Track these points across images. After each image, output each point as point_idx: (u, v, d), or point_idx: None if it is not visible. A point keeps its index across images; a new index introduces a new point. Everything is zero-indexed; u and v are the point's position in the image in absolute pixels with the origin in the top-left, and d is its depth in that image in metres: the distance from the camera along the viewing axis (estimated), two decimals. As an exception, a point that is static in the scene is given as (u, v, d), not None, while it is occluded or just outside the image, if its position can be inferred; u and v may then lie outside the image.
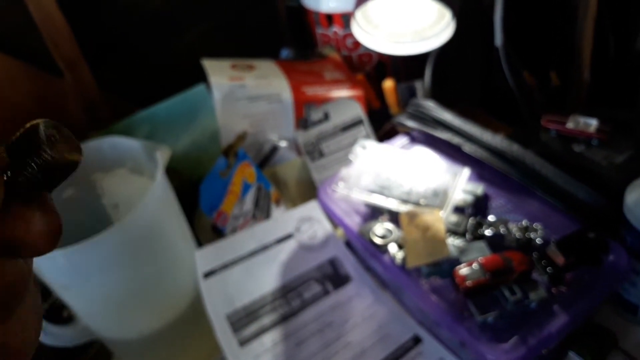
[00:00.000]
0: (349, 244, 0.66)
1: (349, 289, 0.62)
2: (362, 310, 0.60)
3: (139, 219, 0.53)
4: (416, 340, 0.56)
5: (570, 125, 0.64)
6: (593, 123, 0.62)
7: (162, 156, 0.56)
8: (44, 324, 0.58)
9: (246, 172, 0.71)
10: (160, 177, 0.55)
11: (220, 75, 0.76)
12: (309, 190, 0.74)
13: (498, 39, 0.73)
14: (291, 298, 0.61)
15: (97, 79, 0.89)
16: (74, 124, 0.90)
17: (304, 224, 0.67)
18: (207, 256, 0.62)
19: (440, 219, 0.53)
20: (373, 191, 0.59)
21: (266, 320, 0.59)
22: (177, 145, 0.77)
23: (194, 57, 0.82)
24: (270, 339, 0.57)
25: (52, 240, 0.20)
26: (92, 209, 0.65)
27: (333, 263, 0.64)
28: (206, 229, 0.76)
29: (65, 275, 0.54)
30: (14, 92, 0.87)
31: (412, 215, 0.54)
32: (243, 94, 0.75)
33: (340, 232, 0.67)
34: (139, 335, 0.61)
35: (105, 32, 0.90)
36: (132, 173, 0.63)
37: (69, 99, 0.90)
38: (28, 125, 0.18)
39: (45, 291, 0.62)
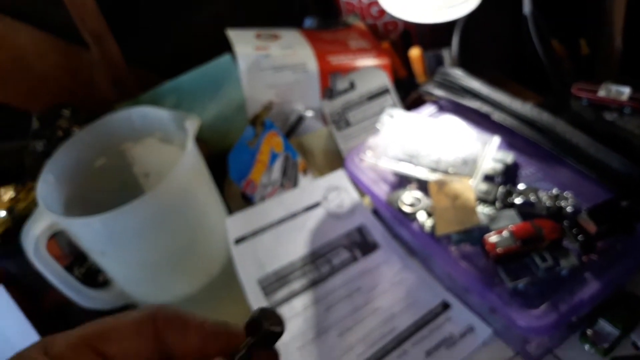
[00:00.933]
0: (376, 212, 0.66)
1: (377, 256, 0.63)
2: (391, 276, 0.61)
3: (171, 187, 0.54)
4: (445, 306, 0.57)
5: (602, 93, 0.63)
6: (626, 91, 0.61)
7: (192, 125, 0.57)
8: (82, 287, 0.60)
9: (273, 141, 0.72)
10: (191, 145, 0.55)
11: (245, 45, 0.76)
12: (335, 160, 0.74)
13: (526, 7, 0.72)
14: (320, 264, 0.62)
15: (123, 51, 0.90)
16: (101, 95, 0.92)
17: (331, 193, 0.67)
18: (237, 223, 0.63)
19: (470, 187, 0.53)
20: (401, 160, 0.59)
21: (296, 285, 0.60)
22: (204, 116, 0.78)
23: (218, 27, 0.82)
24: (300, 303, 0.59)
25: None
26: (124, 177, 0.66)
27: (361, 231, 0.65)
28: (236, 196, 0.76)
29: (101, 241, 0.56)
30: (43, 64, 0.88)
31: (441, 184, 0.54)
32: (268, 64, 0.75)
33: (367, 200, 0.67)
34: (173, 299, 0.63)
35: (129, 4, 0.90)
36: (161, 142, 0.64)
37: (95, 71, 0.91)
38: (252, 317, 0.27)
39: (81, 257, 0.63)
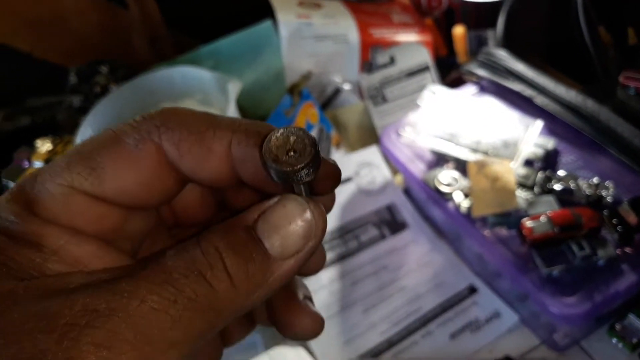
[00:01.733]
0: (407, 192, 0.66)
1: (406, 235, 0.62)
2: (418, 257, 0.60)
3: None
4: (471, 290, 0.57)
5: (651, 83, 0.61)
6: (676, 83, 0.59)
7: (234, 89, 0.56)
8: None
9: (309, 112, 0.71)
10: (233, 109, 0.55)
11: (288, 12, 0.75)
12: (368, 136, 0.73)
13: (577, -9, 0.69)
14: (348, 239, 0.62)
15: (162, 12, 0.90)
16: (138, 56, 0.92)
17: (364, 169, 0.67)
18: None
19: (511, 170, 0.52)
20: (441, 138, 0.58)
21: (323, 258, 0.60)
22: (241, 81, 0.77)
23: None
24: (327, 276, 0.59)
25: None
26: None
27: (390, 209, 0.65)
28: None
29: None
30: (82, 23, 0.89)
31: (481, 165, 0.53)
32: (310, 33, 0.74)
33: (398, 179, 0.67)
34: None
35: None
36: (201, 104, 0.64)
37: (133, 31, 0.91)
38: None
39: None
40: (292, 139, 0.20)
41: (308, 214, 0.21)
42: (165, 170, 0.22)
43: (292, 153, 0.20)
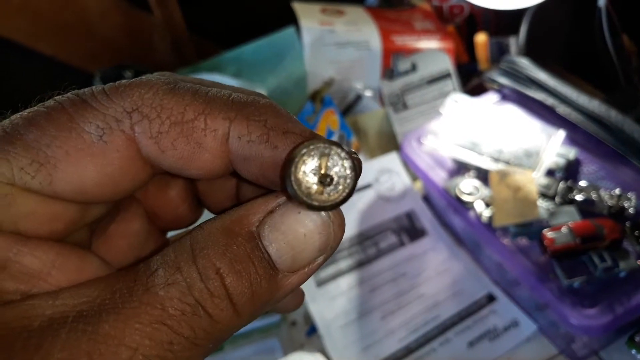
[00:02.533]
0: (426, 199, 0.66)
1: (425, 242, 0.63)
2: (437, 264, 0.60)
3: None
4: (490, 299, 0.57)
5: (675, 93, 0.60)
6: (701, 93, 0.59)
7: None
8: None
9: (330, 119, 0.72)
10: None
11: (311, 19, 0.76)
12: (388, 142, 0.73)
13: (601, -1, 0.69)
14: (367, 246, 0.62)
15: (186, 18, 0.91)
16: (160, 60, 0.93)
17: (383, 175, 0.67)
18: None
19: (533, 180, 0.52)
20: (463, 147, 0.58)
21: (343, 264, 0.60)
22: (263, 87, 0.78)
23: (282, -1, 0.82)
24: (346, 282, 0.59)
25: None
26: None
27: (410, 216, 0.65)
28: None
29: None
30: (105, 26, 0.90)
31: (503, 174, 0.54)
32: (332, 40, 0.75)
33: (418, 186, 0.67)
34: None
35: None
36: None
37: (157, 36, 0.92)
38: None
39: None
40: (326, 162, 0.16)
41: (327, 225, 0.18)
42: (137, 165, 0.18)
43: (328, 180, 0.16)
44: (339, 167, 0.17)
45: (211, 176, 0.19)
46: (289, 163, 0.16)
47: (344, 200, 0.17)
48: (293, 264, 0.17)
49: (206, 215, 0.22)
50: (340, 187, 0.17)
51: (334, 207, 0.17)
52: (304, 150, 0.16)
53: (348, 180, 0.17)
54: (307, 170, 0.16)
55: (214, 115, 0.17)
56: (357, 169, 0.17)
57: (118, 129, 0.17)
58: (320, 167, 0.16)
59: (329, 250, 0.18)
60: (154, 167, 0.18)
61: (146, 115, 0.17)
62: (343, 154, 0.17)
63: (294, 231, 0.17)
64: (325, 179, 0.16)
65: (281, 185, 0.17)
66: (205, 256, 0.16)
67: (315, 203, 0.16)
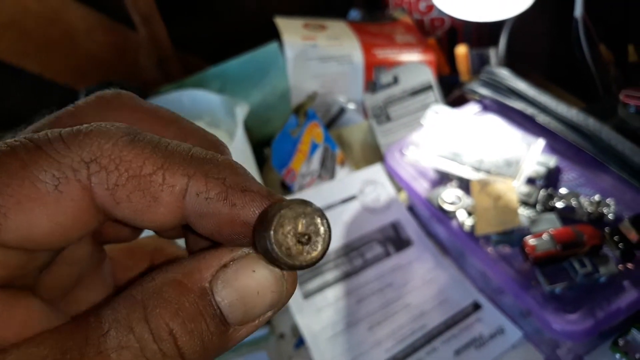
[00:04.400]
0: (411, 209, 0.67)
1: (410, 252, 0.63)
2: (423, 274, 0.61)
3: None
4: (476, 307, 0.57)
5: (651, 101, 0.62)
6: (676, 101, 0.60)
7: (242, 111, 0.58)
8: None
9: (314, 132, 0.72)
10: (240, 131, 0.56)
11: (293, 34, 0.77)
12: (373, 154, 0.74)
13: (578, 10, 0.70)
14: (353, 257, 0.63)
15: (170, 34, 0.91)
16: (145, 77, 0.93)
17: (368, 187, 0.68)
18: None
19: (513, 188, 0.53)
20: (444, 157, 0.59)
21: (329, 276, 0.61)
22: (247, 102, 0.79)
23: (265, 14, 0.83)
24: (332, 294, 0.59)
25: None
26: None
27: (395, 226, 0.65)
28: (275, 184, 0.78)
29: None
30: (90, 42, 0.90)
31: (484, 184, 0.54)
32: (315, 54, 0.76)
33: (402, 196, 0.68)
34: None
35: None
36: (209, 126, 0.65)
37: (141, 53, 0.92)
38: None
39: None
40: (302, 222, 0.17)
41: (280, 283, 0.18)
42: (90, 214, 0.17)
43: (305, 238, 0.17)
44: (313, 225, 0.17)
45: (164, 229, 0.19)
46: (266, 224, 0.16)
47: (323, 256, 0.17)
48: (244, 319, 0.18)
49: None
50: (319, 244, 0.17)
51: (314, 264, 0.17)
52: (282, 211, 0.16)
53: (324, 236, 0.17)
54: (286, 232, 0.17)
55: (172, 171, 0.17)
56: (330, 225, 0.17)
57: (74, 178, 0.16)
58: (296, 226, 0.17)
59: (279, 305, 0.18)
60: (107, 215, 0.18)
61: (104, 166, 0.16)
62: (317, 212, 0.17)
63: (247, 288, 0.17)
64: (302, 238, 0.17)
65: (253, 243, 0.17)
66: (157, 315, 0.16)
67: (297, 263, 0.17)
